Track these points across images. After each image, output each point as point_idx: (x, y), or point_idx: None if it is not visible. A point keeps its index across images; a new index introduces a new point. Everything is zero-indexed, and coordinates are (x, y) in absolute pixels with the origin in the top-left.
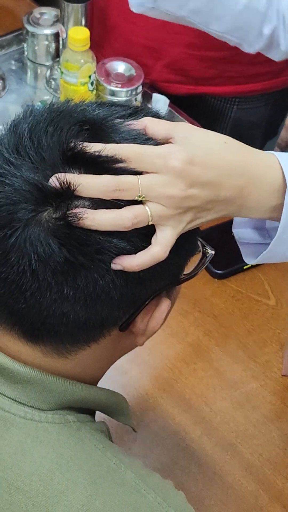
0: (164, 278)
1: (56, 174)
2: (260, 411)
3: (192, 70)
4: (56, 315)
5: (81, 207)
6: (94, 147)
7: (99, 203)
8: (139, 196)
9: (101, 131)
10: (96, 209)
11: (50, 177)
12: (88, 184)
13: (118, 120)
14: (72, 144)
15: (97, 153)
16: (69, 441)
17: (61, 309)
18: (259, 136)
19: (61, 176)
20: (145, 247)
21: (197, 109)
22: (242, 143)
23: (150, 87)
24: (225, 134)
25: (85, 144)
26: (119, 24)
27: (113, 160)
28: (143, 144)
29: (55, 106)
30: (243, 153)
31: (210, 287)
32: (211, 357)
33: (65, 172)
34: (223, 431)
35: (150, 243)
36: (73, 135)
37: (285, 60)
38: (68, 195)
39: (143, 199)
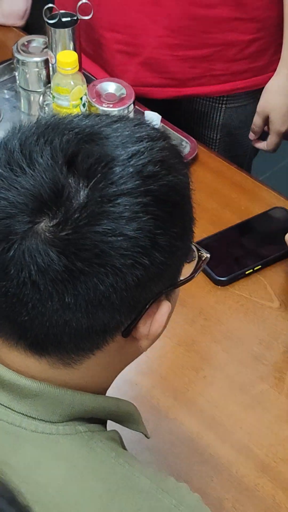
0: (163, 281)
1: None
2: (271, 412)
3: (176, 72)
4: (59, 324)
5: (76, 211)
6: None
7: (94, 209)
8: None
9: (91, 137)
10: (91, 214)
11: (47, 184)
12: None
13: (105, 128)
14: (66, 152)
15: (92, 159)
16: (82, 451)
17: (63, 318)
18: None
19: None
20: (145, 245)
21: (184, 113)
22: None
23: (141, 105)
24: (215, 134)
25: (78, 149)
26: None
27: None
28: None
29: (43, 120)
30: None
31: (214, 294)
32: (219, 362)
33: (61, 179)
34: (237, 434)
35: (151, 241)
36: (64, 143)
37: (268, 55)
38: (63, 202)
39: None
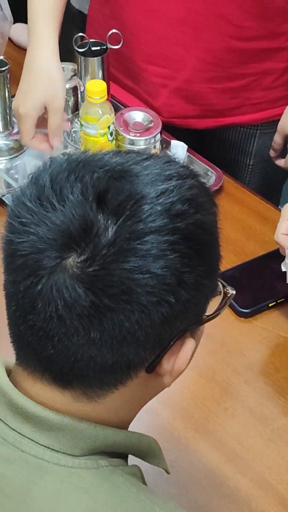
0: (188, 318)
1: None
2: None
3: (215, 103)
4: (84, 359)
5: (104, 248)
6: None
7: (122, 246)
8: None
9: (121, 175)
10: (119, 251)
11: (76, 220)
12: None
13: (135, 166)
14: (96, 188)
15: (122, 197)
16: (103, 485)
17: (88, 353)
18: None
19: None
20: (172, 283)
21: (218, 140)
22: None
23: (168, 134)
24: (249, 160)
25: (108, 187)
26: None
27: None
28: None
29: (74, 156)
30: None
31: (237, 326)
32: (241, 395)
33: (91, 215)
34: (257, 468)
35: (177, 279)
36: (95, 180)
37: None
38: (91, 238)
39: None
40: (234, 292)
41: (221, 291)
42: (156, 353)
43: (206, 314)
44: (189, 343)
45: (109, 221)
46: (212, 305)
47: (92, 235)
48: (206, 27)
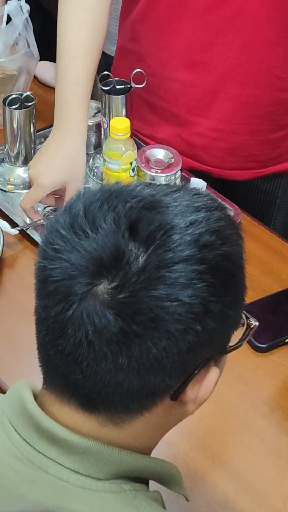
0: (213, 347)
1: None
2: None
3: (258, 154)
4: (111, 384)
5: (134, 276)
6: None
7: (151, 274)
8: None
9: (152, 205)
10: (149, 279)
11: (108, 248)
12: None
13: (165, 197)
14: (128, 218)
15: (152, 227)
16: (126, 509)
17: (116, 379)
18: None
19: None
20: (199, 311)
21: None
22: None
23: (188, 172)
24: (276, 200)
25: (140, 216)
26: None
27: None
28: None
29: (107, 187)
30: None
31: (254, 360)
32: (257, 428)
33: (122, 244)
34: (272, 499)
35: (204, 308)
36: (127, 210)
37: None
38: (122, 266)
39: None
40: (257, 323)
41: (244, 323)
42: (181, 381)
43: (230, 344)
44: (214, 372)
45: (140, 250)
46: (235, 337)
47: (123, 263)
48: (251, 80)
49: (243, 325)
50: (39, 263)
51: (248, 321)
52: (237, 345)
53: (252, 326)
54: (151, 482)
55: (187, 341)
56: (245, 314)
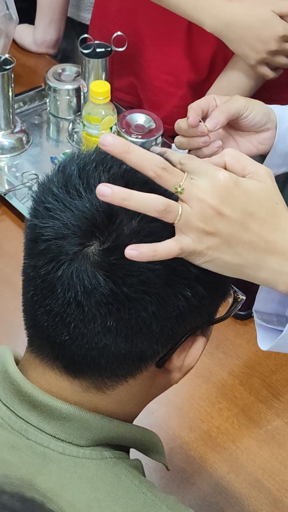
0: (201, 316)
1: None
2: (285, 448)
3: None
4: (98, 347)
5: (127, 238)
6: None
7: (144, 236)
8: (179, 186)
9: None
10: (140, 240)
11: (102, 209)
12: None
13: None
14: (123, 179)
15: (146, 188)
16: (106, 476)
17: (103, 341)
18: None
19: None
20: (189, 272)
21: None
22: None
23: (170, 138)
24: None
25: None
26: None
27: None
28: None
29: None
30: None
31: (233, 328)
32: (235, 396)
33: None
34: (250, 468)
35: (195, 274)
36: (123, 171)
37: None
38: (115, 227)
39: (181, 191)
40: (244, 297)
41: (231, 295)
42: (168, 348)
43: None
44: (200, 341)
45: (134, 212)
46: (221, 309)
47: (116, 224)
48: None
49: (230, 298)
50: (29, 222)
51: (236, 294)
52: (224, 317)
53: (239, 300)
54: (131, 451)
55: (176, 307)
56: (233, 288)
